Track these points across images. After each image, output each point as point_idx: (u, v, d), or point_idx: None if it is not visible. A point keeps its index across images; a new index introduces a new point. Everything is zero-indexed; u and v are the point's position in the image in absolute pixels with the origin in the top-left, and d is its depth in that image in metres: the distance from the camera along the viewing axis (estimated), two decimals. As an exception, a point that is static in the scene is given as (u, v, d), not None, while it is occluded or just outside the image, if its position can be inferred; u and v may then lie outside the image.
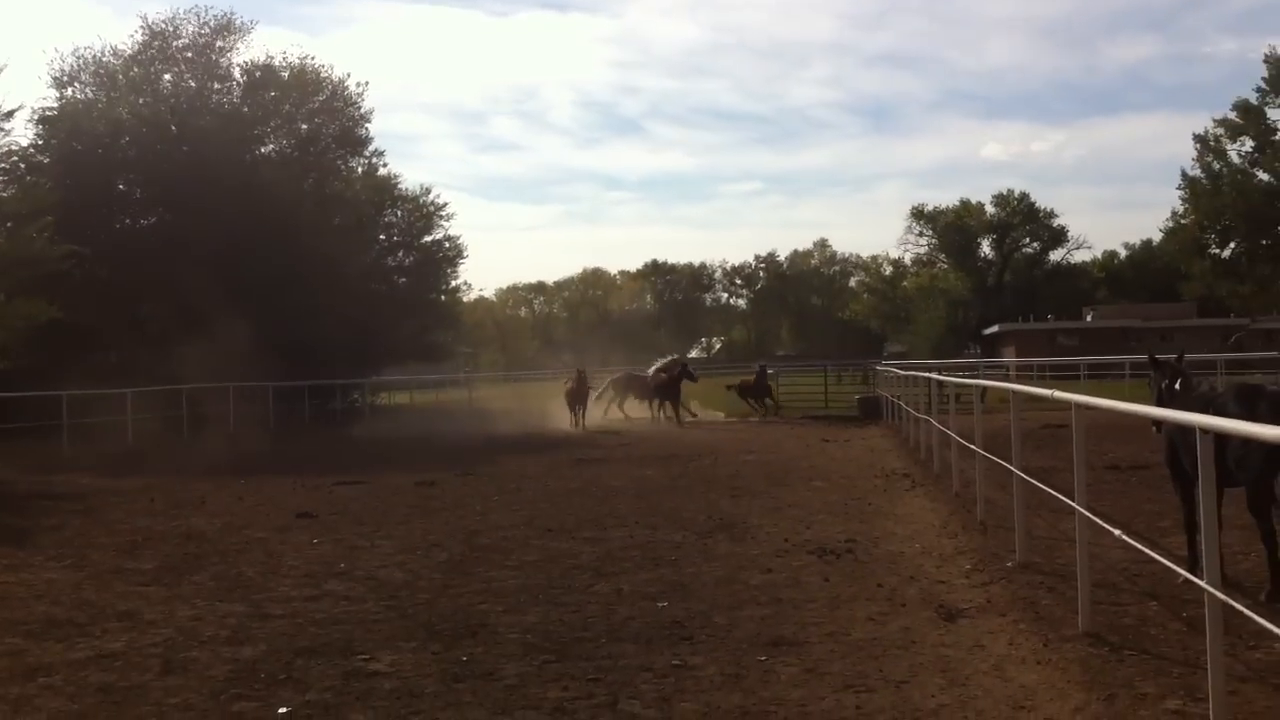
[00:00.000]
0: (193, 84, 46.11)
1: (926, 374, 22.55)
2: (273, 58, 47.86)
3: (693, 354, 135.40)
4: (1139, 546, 7.52)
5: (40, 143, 41.62)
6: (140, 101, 44.38)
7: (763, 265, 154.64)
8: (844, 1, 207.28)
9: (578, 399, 35.31)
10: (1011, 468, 10.58)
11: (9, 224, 31.24)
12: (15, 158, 39.38)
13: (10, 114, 30.31)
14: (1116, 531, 7.71)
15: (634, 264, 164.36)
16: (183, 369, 35.92)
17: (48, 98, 43.84)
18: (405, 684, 7.48)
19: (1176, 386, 9.72)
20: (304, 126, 49.08)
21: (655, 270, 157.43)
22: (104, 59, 45.11)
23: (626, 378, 39.61)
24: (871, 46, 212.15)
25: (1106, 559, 10.07)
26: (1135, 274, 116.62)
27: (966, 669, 7.42)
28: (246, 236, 40.94)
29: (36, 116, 41.75)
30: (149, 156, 43.13)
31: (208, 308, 40.00)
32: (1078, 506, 8.09)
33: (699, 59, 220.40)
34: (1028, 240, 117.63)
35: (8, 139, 33.33)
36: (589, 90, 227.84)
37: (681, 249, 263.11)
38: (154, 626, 9.23)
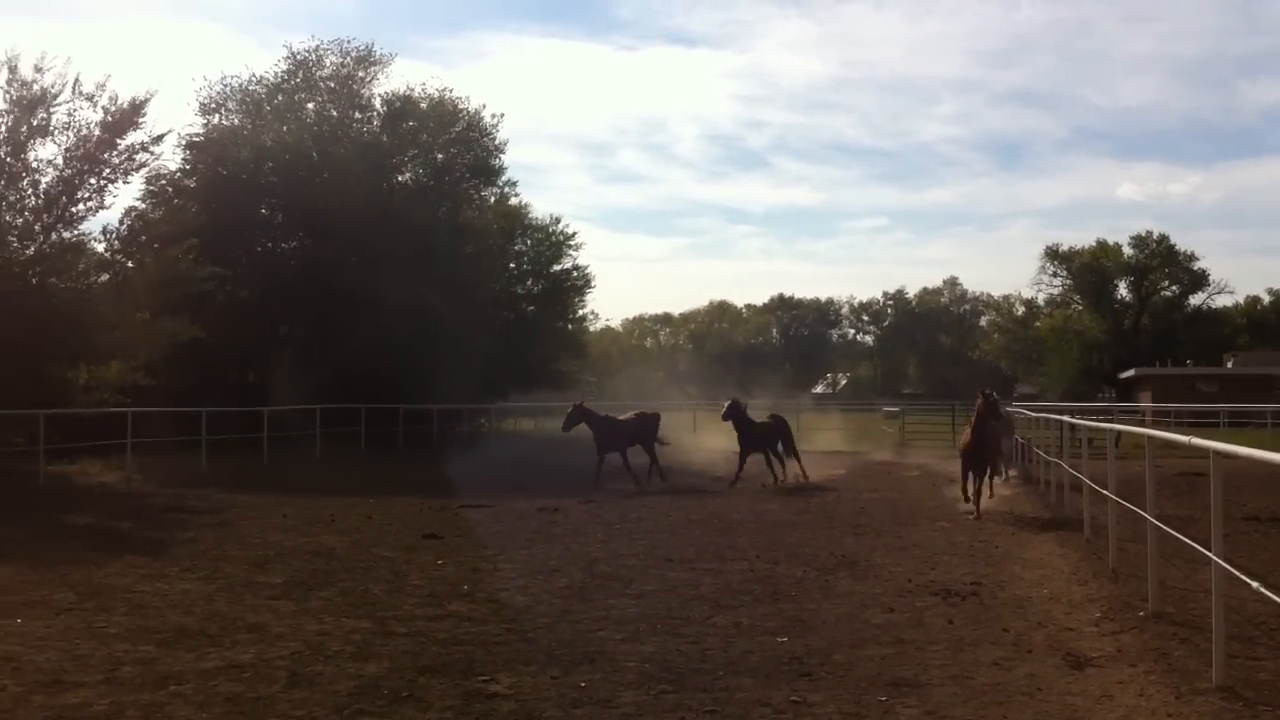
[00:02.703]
0: (334, 113, 47.41)
1: (1059, 416, 22.06)
2: (412, 89, 49.07)
3: (818, 389, 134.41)
4: (1277, 600, 7.24)
5: (187, 167, 43.12)
6: (284, 129, 45.77)
7: (891, 302, 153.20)
8: (973, 38, 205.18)
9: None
10: (1146, 515, 10.29)
11: (156, 245, 32.34)
12: (163, 181, 40.91)
13: (160, 139, 31.39)
14: (1255, 584, 7.45)
15: (757, 297, 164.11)
16: (317, 389, 36.79)
17: (195, 124, 45.57)
18: (524, 707, 7.54)
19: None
20: (440, 156, 50.05)
21: (782, 304, 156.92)
22: (249, 87, 46.66)
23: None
24: (1001, 84, 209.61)
25: (1243, 611, 9.72)
26: (1279, 320, 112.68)
27: (1094, 719, 7.21)
28: (382, 262, 41.87)
29: (184, 142, 43.38)
30: (291, 182, 44.39)
31: (343, 330, 41.07)
32: (1214, 557, 7.83)
33: (825, 94, 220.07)
34: (1166, 283, 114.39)
35: (157, 162, 34.56)
36: (714, 124, 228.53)
37: (806, 284, 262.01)
38: (282, 640, 9.43)
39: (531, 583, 12.43)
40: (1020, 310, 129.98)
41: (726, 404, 27.15)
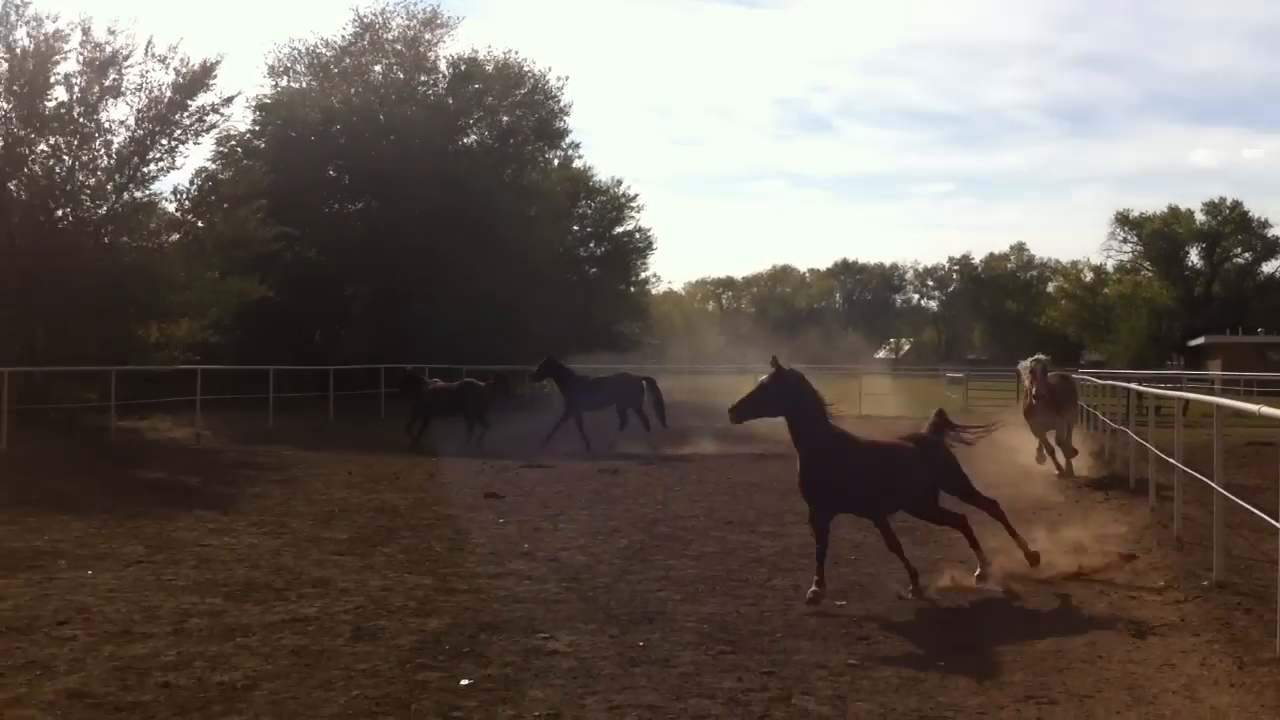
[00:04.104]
0: (401, 75, 47.61)
1: (1125, 384, 21.77)
2: (477, 51, 49.17)
3: (881, 354, 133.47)
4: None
5: (256, 129, 43.63)
6: (351, 91, 46.06)
7: (956, 267, 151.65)
8: (1044, 2, 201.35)
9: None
10: (1213, 484, 10.15)
11: (225, 205, 32.77)
12: (233, 142, 41.48)
13: (229, 100, 31.74)
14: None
15: (822, 262, 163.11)
16: (382, 350, 37.14)
17: (264, 86, 46.11)
18: (582, 664, 7.62)
19: None
20: (505, 119, 50.13)
21: (845, 269, 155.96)
22: (317, 50, 47.01)
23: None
24: (1071, 47, 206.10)
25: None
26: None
27: (1154, 687, 7.17)
28: (447, 224, 42.09)
29: (254, 104, 43.94)
30: (358, 144, 44.69)
31: (408, 291, 41.39)
32: (1282, 527, 7.73)
33: (892, 57, 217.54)
34: (1239, 250, 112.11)
35: (226, 124, 35.01)
36: (780, 87, 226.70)
37: (870, 249, 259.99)
38: (346, 594, 9.59)
39: (591, 542, 12.53)
40: (1089, 277, 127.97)
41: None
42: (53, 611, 8.94)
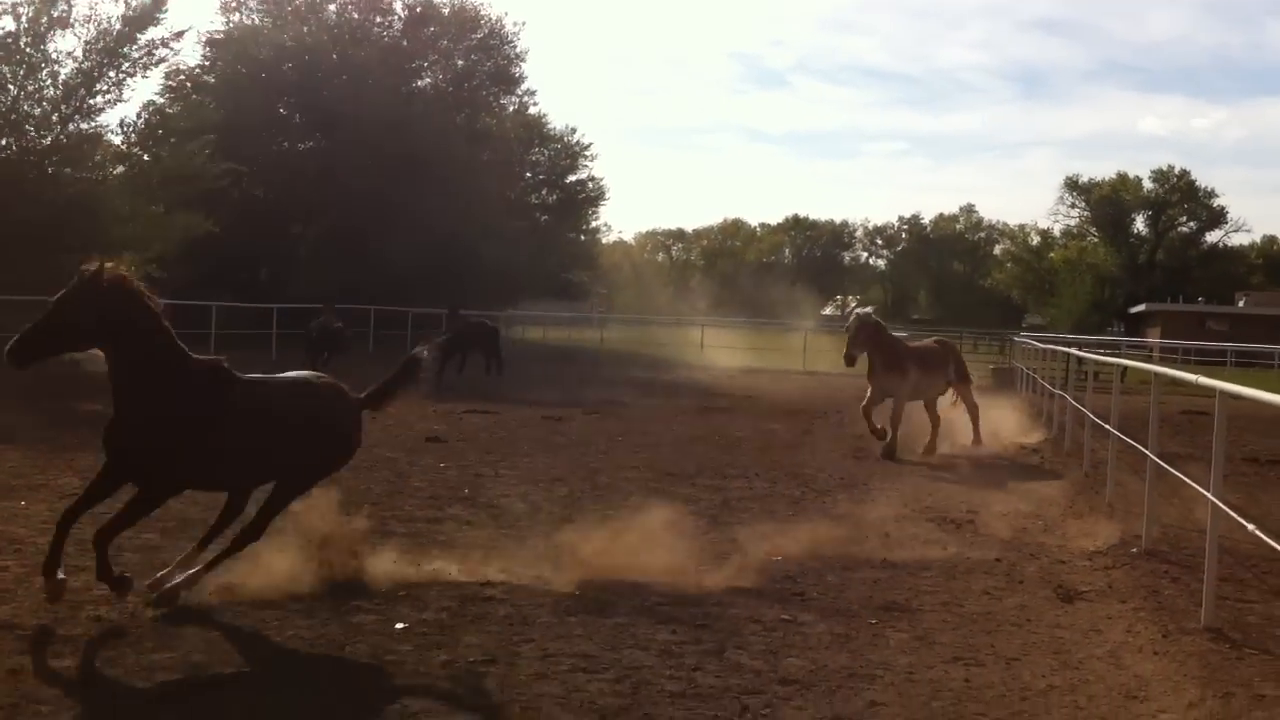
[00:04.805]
0: (356, 15, 47.06)
1: (1066, 349, 22.04)
2: (434, -6, 48.49)
3: (827, 310, 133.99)
4: (1272, 543, 7.29)
5: (207, 64, 43.03)
6: (304, 30, 45.50)
7: (905, 227, 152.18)
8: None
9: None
10: (1146, 451, 10.33)
11: (173, 139, 32.35)
12: (182, 76, 40.89)
13: (180, 35, 31.24)
14: (1250, 526, 7.51)
15: (773, 217, 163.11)
16: (329, 291, 36.81)
17: (216, 22, 45.34)
18: (518, 611, 7.66)
19: None
20: (460, 63, 49.75)
21: (796, 225, 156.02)
22: (272, -14, 46.20)
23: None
24: (1027, 11, 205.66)
25: (1237, 553, 9.81)
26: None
27: (1080, 652, 7.32)
28: (399, 167, 41.76)
29: (204, 39, 43.23)
30: (309, 83, 44.20)
31: (359, 233, 41.06)
32: (1211, 496, 7.88)
33: (850, 15, 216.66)
34: (1184, 219, 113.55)
35: (176, 58, 34.51)
36: (737, 41, 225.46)
37: (823, 205, 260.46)
38: (280, 534, 9.45)
39: (532, 490, 12.54)
40: (1035, 240, 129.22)
41: None
42: (-17, 543, 8.86)
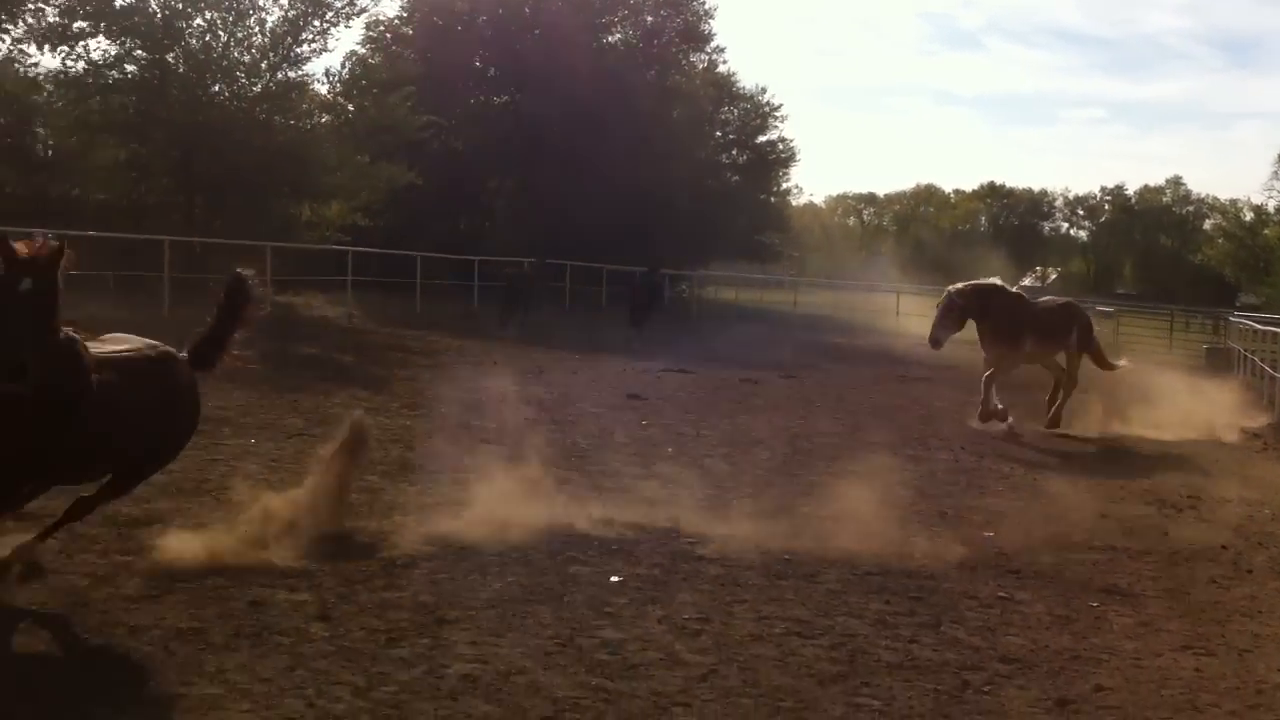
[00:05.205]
0: (547, -33, 47.36)
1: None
2: (622, -52, 48.51)
3: (1026, 281, 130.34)
4: None
5: (405, 15, 43.88)
6: (499, -18, 45.95)
7: (1109, 197, 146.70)
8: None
9: None
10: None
11: (375, 90, 33.22)
12: (383, 27, 41.88)
13: (380, -14, 32.16)
14: None
15: (966, 183, 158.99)
16: (524, 244, 37.46)
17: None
18: (729, 572, 7.68)
19: None
20: (649, 19, 49.71)
21: (992, 192, 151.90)
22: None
23: None
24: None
25: None
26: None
27: (1317, 649, 6.97)
28: (590, 121, 41.98)
29: (403, -10, 44.04)
30: (504, 37, 44.72)
31: (550, 188, 41.56)
32: None
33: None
34: None
35: (377, 9, 35.48)
36: (926, 1, 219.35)
37: (1016, 173, 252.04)
38: (493, 483, 9.68)
39: (734, 452, 12.56)
40: (1249, 216, 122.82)
41: None
42: (219, 476, 9.30)
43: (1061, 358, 16.75)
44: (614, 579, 7.32)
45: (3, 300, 5.31)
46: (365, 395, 14.57)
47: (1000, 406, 15.38)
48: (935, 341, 15.55)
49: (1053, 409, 16.32)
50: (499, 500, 8.80)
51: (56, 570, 6.47)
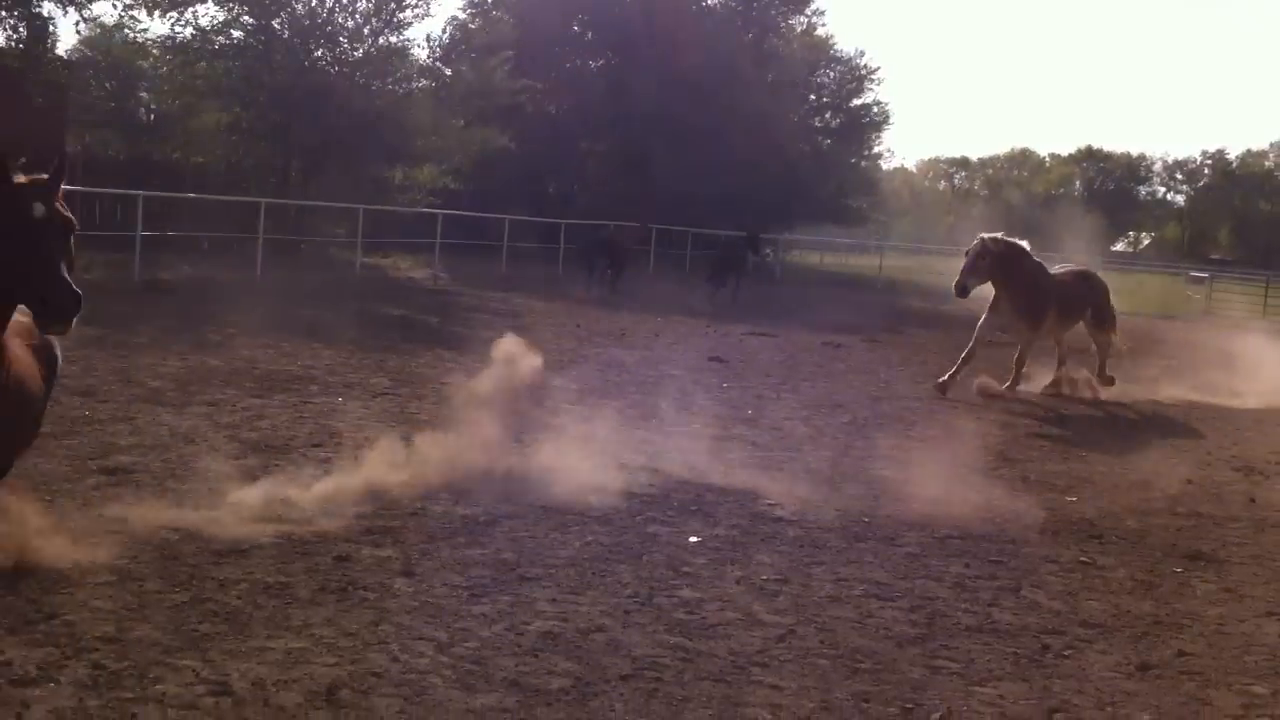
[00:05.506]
0: (647, -71, 47.13)
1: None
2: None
3: (1118, 246, 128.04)
4: None
5: (504, -21, 44.03)
6: (596, -54, 45.90)
7: (1209, 161, 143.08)
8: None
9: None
10: None
11: (473, 55, 33.44)
12: (481, -10, 42.05)
13: (482, -50, 32.27)
14: None
15: (1062, 147, 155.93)
16: (613, 207, 37.54)
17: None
18: (808, 534, 7.71)
19: None
20: (749, -20, 49.36)
21: (1088, 155, 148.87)
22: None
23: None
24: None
25: None
26: None
27: None
28: (685, 86, 41.89)
29: (504, -46, 44.15)
30: (602, 2, 44.65)
31: (642, 152, 41.59)
32: None
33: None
34: None
35: (480, -27, 35.57)
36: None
37: (1114, 136, 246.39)
38: (574, 444, 9.81)
39: (814, 415, 12.56)
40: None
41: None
42: (307, 434, 9.51)
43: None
44: (692, 539, 7.38)
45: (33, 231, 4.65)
46: (450, 355, 14.76)
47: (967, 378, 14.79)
48: (963, 289, 14.51)
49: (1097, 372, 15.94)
50: (576, 463, 8.88)
51: (144, 524, 6.67)
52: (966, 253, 14.63)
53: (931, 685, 5.37)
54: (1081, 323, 16.21)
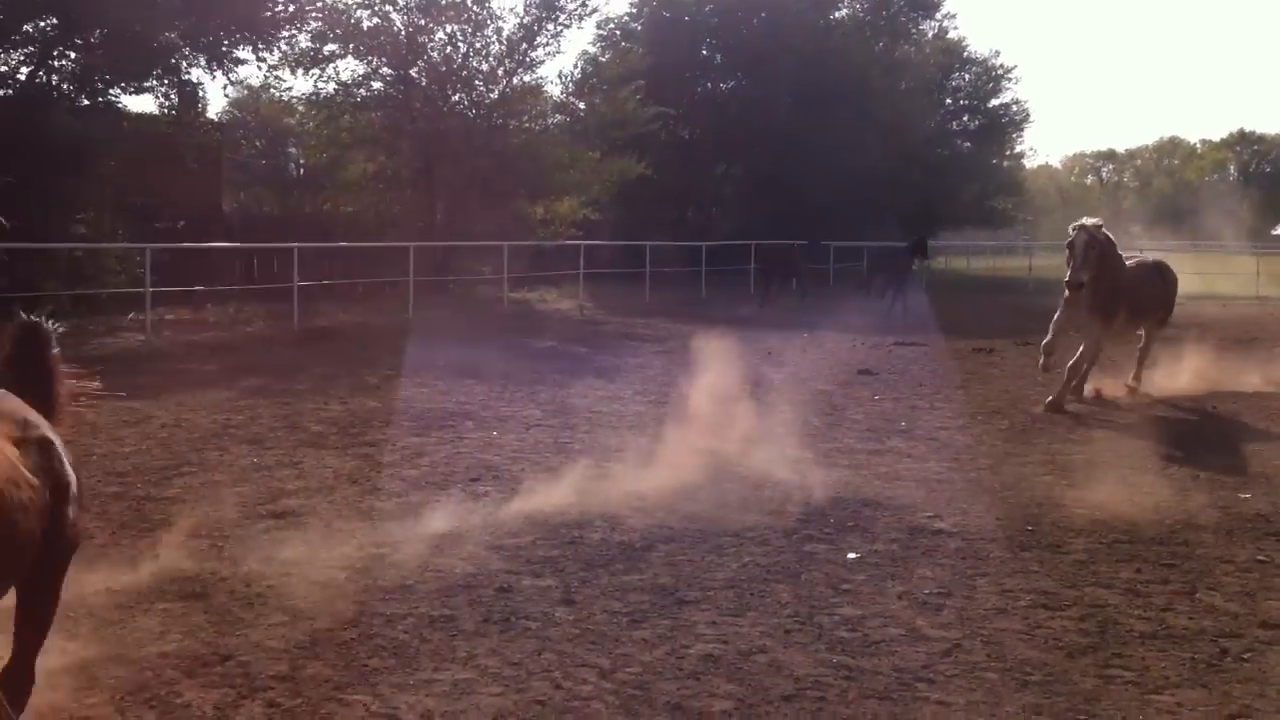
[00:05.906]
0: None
1: None
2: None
3: (1277, 231, 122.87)
4: None
5: (634, 10, 44.49)
6: (722, -30, 46.05)
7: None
8: None
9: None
10: None
11: (605, 87, 33.84)
12: (612, 25, 42.63)
13: (610, -14, 32.71)
14: None
15: (1214, 132, 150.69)
16: (753, 227, 37.54)
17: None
18: (970, 545, 7.57)
19: None
20: (876, -9, 49.02)
21: (1242, 140, 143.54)
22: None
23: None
24: None
25: None
26: None
27: None
28: (817, 101, 41.77)
29: (632, -11, 44.66)
30: (729, 23, 44.83)
31: (778, 170, 41.53)
32: None
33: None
34: None
35: (607, 7, 36.02)
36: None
37: (1269, 118, 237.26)
38: (740, 465, 9.81)
39: (970, 423, 12.35)
40: None
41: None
42: (465, 469, 9.69)
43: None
44: (851, 556, 7.32)
45: None
46: (600, 384, 14.90)
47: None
48: (1080, 284, 13.28)
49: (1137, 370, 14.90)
50: (735, 482, 8.88)
51: (312, 564, 6.88)
52: (1069, 245, 13.47)
53: (1105, 696, 5.23)
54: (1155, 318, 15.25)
